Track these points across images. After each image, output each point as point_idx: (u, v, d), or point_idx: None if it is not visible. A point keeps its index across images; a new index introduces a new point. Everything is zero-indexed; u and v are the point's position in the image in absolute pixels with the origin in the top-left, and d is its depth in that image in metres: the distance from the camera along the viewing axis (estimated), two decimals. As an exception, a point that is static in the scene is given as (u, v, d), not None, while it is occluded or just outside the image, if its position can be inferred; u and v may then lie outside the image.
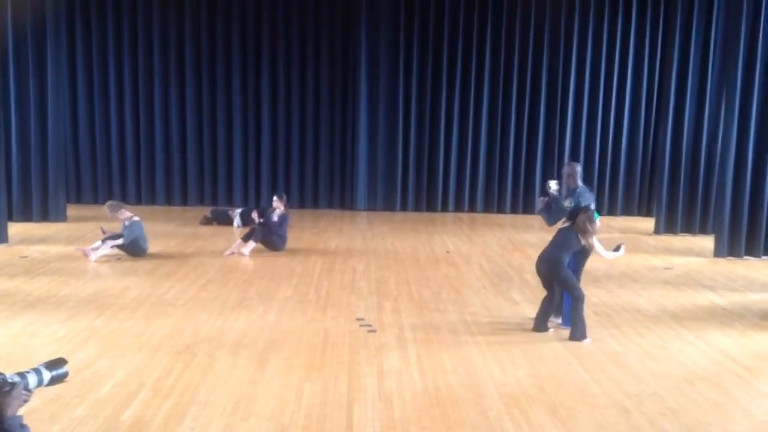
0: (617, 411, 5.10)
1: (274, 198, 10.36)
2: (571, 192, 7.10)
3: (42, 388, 3.03)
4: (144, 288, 8.10)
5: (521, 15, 14.01)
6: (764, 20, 10.24)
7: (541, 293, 8.18)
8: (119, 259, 9.50)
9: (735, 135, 10.46)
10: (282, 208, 10.20)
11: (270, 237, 10.07)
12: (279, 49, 14.08)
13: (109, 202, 10.26)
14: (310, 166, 14.43)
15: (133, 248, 9.56)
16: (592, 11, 14.00)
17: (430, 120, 14.30)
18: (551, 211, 7.19)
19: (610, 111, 14.33)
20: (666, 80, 12.55)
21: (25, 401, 2.91)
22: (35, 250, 9.93)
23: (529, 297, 8.16)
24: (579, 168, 7.22)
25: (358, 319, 7.10)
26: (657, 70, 14.14)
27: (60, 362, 3.10)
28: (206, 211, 12.83)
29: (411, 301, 7.86)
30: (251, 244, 9.87)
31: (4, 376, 2.89)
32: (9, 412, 2.82)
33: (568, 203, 7.02)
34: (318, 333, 6.66)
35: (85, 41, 14.03)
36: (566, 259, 6.72)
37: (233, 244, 10.13)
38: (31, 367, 3.06)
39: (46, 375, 3.01)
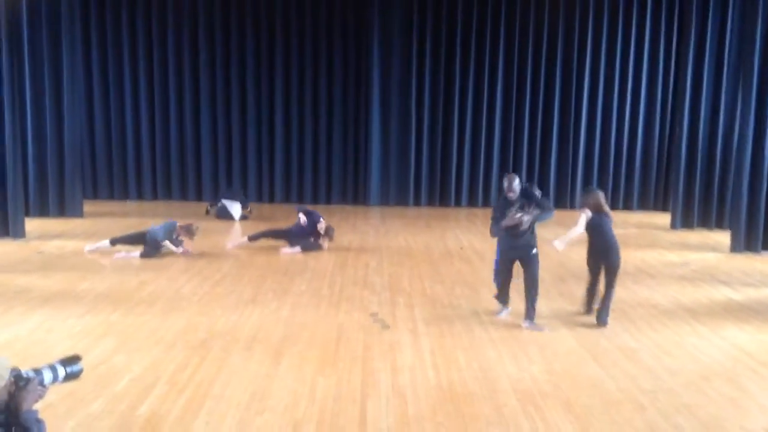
0: (632, 407, 5.07)
1: (300, 214, 10.23)
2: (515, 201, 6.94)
3: (57, 384, 3.06)
4: (160, 283, 8.15)
5: (536, 8, 13.94)
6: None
7: (554, 290, 8.21)
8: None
9: (752, 129, 10.36)
10: (304, 218, 10.18)
11: (310, 246, 10.08)
12: (293, 45, 14.10)
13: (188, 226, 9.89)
14: (324, 162, 14.46)
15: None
16: (606, 6, 13.91)
17: (443, 115, 14.28)
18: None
19: (625, 105, 14.24)
20: (682, 74, 12.44)
21: (40, 396, 2.94)
22: (52, 246, 10.02)
23: (542, 292, 8.09)
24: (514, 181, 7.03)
25: (371, 315, 7.11)
26: (672, 64, 14.04)
27: (75, 359, 3.14)
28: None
29: (424, 297, 7.86)
30: (297, 248, 9.91)
31: (20, 371, 2.92)
32: (24, 407, 2.87)
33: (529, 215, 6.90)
34: (332, 328, 6.68)
35: (101, 37, 14.12)
36: None
37: (237, 239, 10.30)
38: (47, 363, 3.10)
39: (61, 371, 3.05)
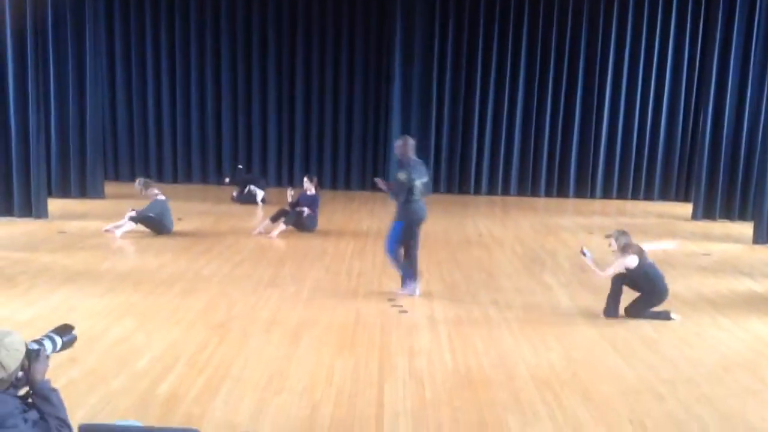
0: (651, 397, 5.04)
1: (305, 179, 10.36)
2: (405, 165, 7.26)
3: (55, 354, 3.15)
4: (180, 264, 8.21)
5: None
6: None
7: (575, 279, 8.17)
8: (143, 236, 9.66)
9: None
10: (312, 189, 10.21)
11: (300, 220, 10.07)
12: (313, 28, 14.08)
13: (139, 179, 10.36)
14: (343, 147, 14.46)
15: (157, 224, 9.66)
16: (632, -8, 13.73)
17: (464, 102, 14.21)
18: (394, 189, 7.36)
19: (649, 95, 14.09)
20: (707, 64, 12.27)
21: (47, 367, 3.01)
22: (74, 226, 10.12)
23: (562, 281, 8.10)
24: (412, 141, 7.37)
25: (389, 300, 7.12)
26: (698, 54, 13.85)
27: (68, 328, 3.26)
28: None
29: (442, 283, 7.85)
30: (281, 226, 9.90)
31: (26, 344, 2.98)
32: (39, 378, 2.92)
33: (402, 176, 7.19)
34: (349, 312, 6.69)
35: (123, 21, 14.19)
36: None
37: (262, 223, 10.20)
38: (44, 334, 3.20)
39: (58, 341, 3.15)
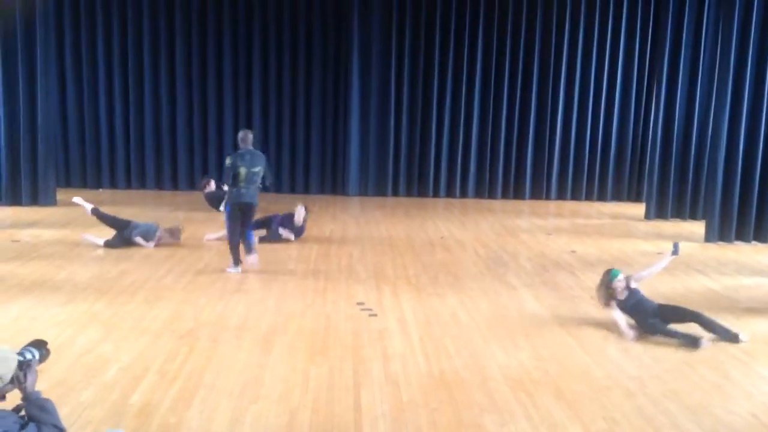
0: (621, 393, 5.16)
1: (302, 209, 9.92)
2: (235, 154, 8.12)
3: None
4: (141, 272, 8.06)
5: (514, 2, 13.99)
6: (757, 5, 10.30)
7: (538, 278, 8.31)
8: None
9: (726, 121, 10.54)
10: (302, 221, 9.93)
11: (277, 240, 9.83)
12: (270, 32, 13.99)
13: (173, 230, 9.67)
14: (302, 151, 14.40)
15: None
16: (584, -2, 14.03)
17: (422, 105, 14.30)
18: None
19: (601, 96, 14.40)
20: (657, 65, 12.62)
21: (36, 377, 2.99)
22: (26, 234, 9.84)
23: (526, 282, 8.22)
24: (250, 135, 8.20)
25: (358, 303, 7.12)
26: (648, 55, 14.22)
27: (42, 342, 3.32)
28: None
29: (409, 286, 7.89)
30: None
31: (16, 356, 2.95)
32: (30, 389, 2.89)
33: (227, 161, 8.04)
34: (319, 317, 6.67)
35: (74, 24, 13.87)
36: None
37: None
38: (23, 347, 3.19)
39: (36, 354, 3.18)
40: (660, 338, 6.34)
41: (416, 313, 6.87)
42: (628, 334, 6.37)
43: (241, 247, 8.30)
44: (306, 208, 10.03)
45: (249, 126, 14.17)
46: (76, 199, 9.83)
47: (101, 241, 9.22)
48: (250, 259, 8.28)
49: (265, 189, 8.67)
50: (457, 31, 14.07)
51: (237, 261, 8.23)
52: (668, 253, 7.19)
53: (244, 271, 8.20)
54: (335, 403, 4.86)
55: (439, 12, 13.96)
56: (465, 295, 7.59)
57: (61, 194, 12.59)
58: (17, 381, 2.86)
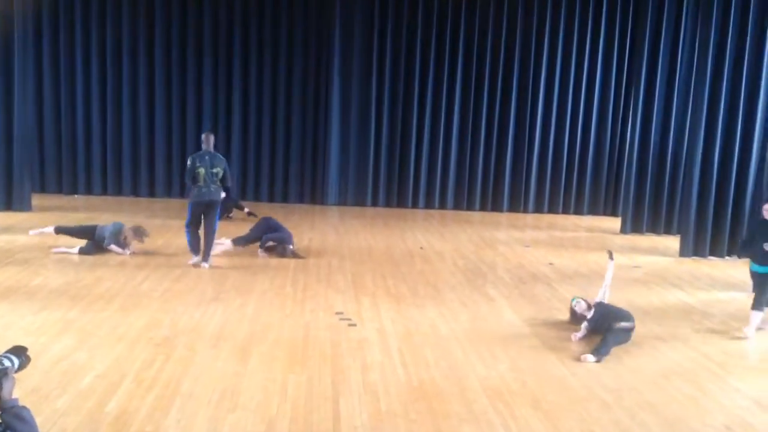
0: (598, 405, 5.20)
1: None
2: (195, 155, 8.78)
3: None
4: (117, 279, 7.96)
5: (494, 16, 14.13)
6: (733, 23, 10.50)
7: (516, 291, 8.35)
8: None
9: (702, 137, 10.71)
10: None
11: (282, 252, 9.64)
12: (251, 39, 13.97)
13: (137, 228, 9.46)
14: (281, 160, 14.35)
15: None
16: (563, 12, 14.20)
17: (402, 116, 14.34)
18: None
19: (578, 111, 14.55)
20: (634, 81, 12.80)
21: (14, 384, 2.95)
22: (0, 240, 9.67)
23: (504, 293, 8.26)
24: (212, 137, 8.86)
25: (337, 313, 7.10)
26: (625, 72, 14.41)
27: (21, 348, 3.29)
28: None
29: (388, 296, 7.88)
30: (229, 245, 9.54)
31: None
32: (7, 396, 2.84)
33: (188, 162, 8.69)
34: (298, 326, 6.65)
35: (52, 29, 13.74)
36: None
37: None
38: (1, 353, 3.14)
39: (15, 361, 3.14)
40: (636, 350, 6.41)
41: (395, 324, 6.87)
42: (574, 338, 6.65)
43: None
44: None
45: (228, 136, 14.17)
46: (33, 232, 9.55)
47: (75, 250, 9.11)
48: (194, 259, 8.76)
49: (225, 189, 9.23)
50: (438, 45, 14.16)
51: (196, 251, 8.80)
52: (609, 263, 7.34)
53: (219, 275, 8.16)
54: (314, 412, 4.83)
55: (420, 24, 14.04)
56: (444, 305, 7.60)
57: (36, 199, 12.43)
58: None
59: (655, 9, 12.29)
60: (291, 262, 9.21)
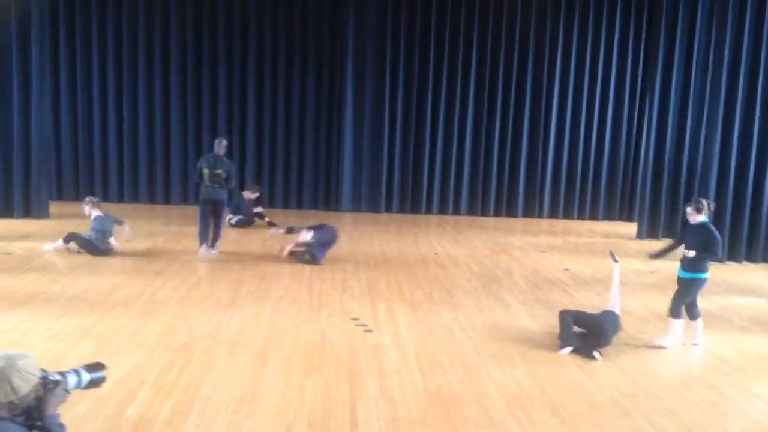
0: (617, 411, 5.17)
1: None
2: (203, 157, 9.91)
3: (79, 390, 3.02)
4: (135, 286, 8.02)
5: (507, 22, 14.14)
6: (748, 30, 10.45)
7: (531, 296, 8.32)
8: (79, 252, 9.52)
9: (719, 141, 10.67)
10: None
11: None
12: (265, 48, 14.05)
13: (90, 198, 10.06)
14: (295, 167, 14.41)
15: (93, 246, 9.49)
16: (576, 17, 14.19)
17: (415, 122, 14.37)
18: None
19: (593, 116, 14.52)
20: (650, 85, 12.74)
21: (63, 400, 2.90)
22: (19, 247, 9.77)
23: (520, 299, 8.24)
24: (224, 142, 9.80)
25: (353, 319, 7.11)
26: (640, 76, 14.37)
27: (99, 366, 3.12)
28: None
29: (404, 302, 7.89)
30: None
31: (47, 373, 2.87)
32: (49, 410, 2.82)
33: (198, 163, 9.79)
34: (314, 332, 6.66)
35: (69, 38, 13.90)
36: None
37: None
38: (73, 367, 3.07)
39: (85, 377, 3.02)
40: (653, 356, 6.38)
41: (411, 329, 6.87)
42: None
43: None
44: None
45: (242, 143, 14.25)
46: (48, 247, 9.64)
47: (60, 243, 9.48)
48: (201, 250, 9.63)
49: (230, 190, 10.13)
50: (451, 51, 14.18)
51: (202, 242, 9.71)
52: (615, 266, 7.23)
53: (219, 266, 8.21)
54: (332, 418, 4.84)
55: (434, 30, 14.08)
56: (460, 311, 7.59)
57: (53, 207, 12.55)
58: (35, 398, 2.80)
59: (670, 13, 12.23)
60: (306, 269, 9.24)
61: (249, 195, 12.46)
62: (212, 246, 9.80)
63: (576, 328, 6.60)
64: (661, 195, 12.39)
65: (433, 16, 14.04)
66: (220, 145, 9.72)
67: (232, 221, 11.97)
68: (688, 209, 6.83)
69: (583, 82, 14.38)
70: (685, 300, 6.80)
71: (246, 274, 8.85)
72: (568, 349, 6.34)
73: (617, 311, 6.86)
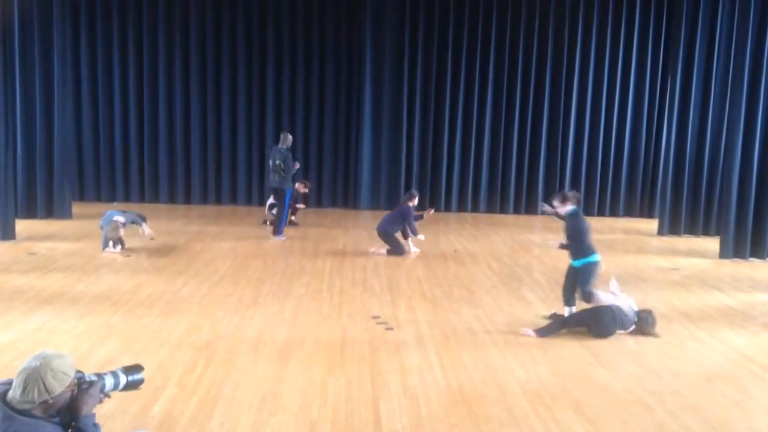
0: (641, 408, 5.14)
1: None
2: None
3: (116, 392, 3.05)
4: (157, 285, 8.09)
5: (526, 18, 14.09)
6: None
7: (552, 294, 8.29)
8: (128, 256, 9.57)
9: (740, 137, 10.53)
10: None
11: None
12: (284, 47, 14.11)
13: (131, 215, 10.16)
14: (314, 165, 14.46)
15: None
16: (596, 12, 14.10)
17: (434, 119, 14.36)
18: None
19: (613, 112, 14.43)
20: (671, 81, 12.63)
21: (100, 401, 2.93)
22: (43, 247, 9.91)
23: (540, 296, 8.22)
24: (290, 137, 11.11)
25: (374, 317, 7.13)
26: (660, 71, 14.25)
27: (137, 368, 3.14)
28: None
29: (424, 299, 7.89)
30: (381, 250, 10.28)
31: (83, 374, 2.91)
32: (84, 410, 2.86)
33: None
34: (336, 330, 6.69)
35: (90, 39, 14.03)
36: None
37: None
38: (110, 369, 3.10)
39: (123, 379, 3.04)
40: (677, 353, 6.34)
41: (432, 327, 6.87)
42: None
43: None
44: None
45: (261, 142, 14.33)
46: (109, 250, 9.76)
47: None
48: (272, 239, 10.83)
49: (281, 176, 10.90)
50: (469, 48, 14.16)
51: (277, 230, 10.97)
52: (612, 284, 7.35)
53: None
54: (354, 416, 4.86)
55: (452, 29, 14.06)
56: (480, 308, 7.59)
57: (75, 208, 12.69)
58: (71, 398, 2.84)
59: (691, 5, 12.12)
60: (327, 266, 9.27)
61: (301, 188, 12.47)
62: (274, 233, 10.87)
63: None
64: (682, 191, 12.28)
65: (450, 14, 14.01)
66: (282, 138, 10.91)
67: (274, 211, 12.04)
68: (555, 202, 7.20)
69: (603, 77, 14.29)
70: (593, 283, 7.01)
71: (267, 272, 8.90)
72: (531, 332, 6.66)
73: (624, 307, 6.84)
